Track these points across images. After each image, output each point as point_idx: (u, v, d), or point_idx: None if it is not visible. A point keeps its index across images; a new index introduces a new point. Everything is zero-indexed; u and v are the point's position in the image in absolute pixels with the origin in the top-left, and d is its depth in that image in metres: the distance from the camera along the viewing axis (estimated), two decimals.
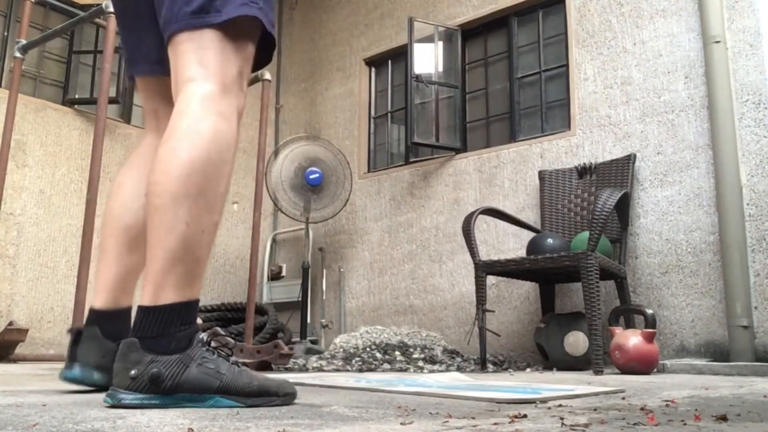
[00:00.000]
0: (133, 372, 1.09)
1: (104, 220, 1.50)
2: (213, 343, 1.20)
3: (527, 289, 3.62)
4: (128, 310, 1.49)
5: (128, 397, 1.08)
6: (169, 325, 1.14)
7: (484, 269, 3.03)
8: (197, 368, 1.12)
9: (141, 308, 1.17)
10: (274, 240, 5.04)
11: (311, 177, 4.35)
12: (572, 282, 3.37)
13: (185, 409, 1.09)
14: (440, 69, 4.22)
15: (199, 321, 4.36)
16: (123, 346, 1.13)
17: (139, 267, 1.48)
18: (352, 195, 4.60)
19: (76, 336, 1.44)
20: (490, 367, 3.01)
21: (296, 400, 1.24)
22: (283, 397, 1.19)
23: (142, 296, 1.17)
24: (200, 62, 1.23)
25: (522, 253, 3.44)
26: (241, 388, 1.14)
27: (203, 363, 1.13)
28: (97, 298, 1.47)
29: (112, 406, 1.08)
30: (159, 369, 1.09)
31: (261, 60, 1.38)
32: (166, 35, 1.28)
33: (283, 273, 4.86)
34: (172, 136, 1.19)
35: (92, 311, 1.47)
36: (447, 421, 0.97)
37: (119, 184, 1.51)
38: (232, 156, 1.25)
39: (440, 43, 4.25)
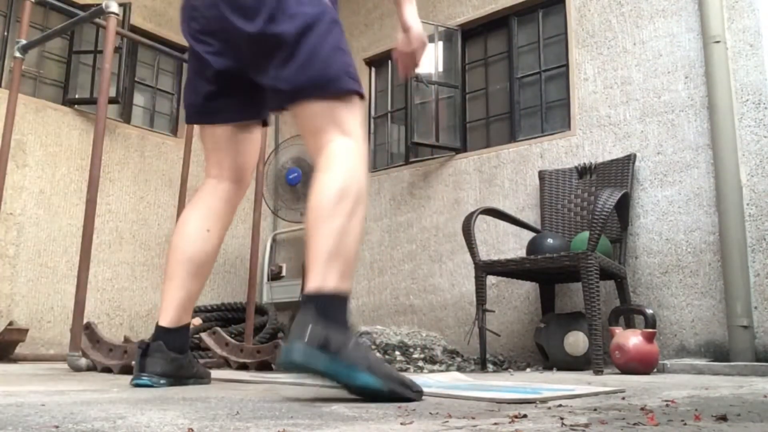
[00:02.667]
0: (310, 327, 1.26)
1: (170, 251, 1.74)
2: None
3: (527, 289, 3.62)
4: (188, 326, 1.75)
5: (303, 351, 1.24)
6: (333, 306, 1.33)
7: (484, 269, 3.03)
8: (354, 346, 1.29)
9: (308, 295, 1.34)
10: (274, 240, 5.04)
11: (290, 177, 4.37)
12: (572, 282, 3.37)
13: (185, 409, 1.09)
14: (440, 69, 4.22)
15: (198, 321, 4.33)
16: (301, 314, 1.31)
17: (198, 292, 1.75)
18: None
19: (145, 349, 1.66)
20: (490, 367, 3.01)
21: (297, 400, 1.24)
22: (416, 392, 1.31)
23: (310, 283, 1.35)
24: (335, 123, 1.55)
25: (522, 253, 3.44)
26: (386, 373, 1.31)
27: (357, 347, 1.30)
28: (163, 317, 1.69)
29: (288, 362, 1.25)
30: (329, 335, 1.26)
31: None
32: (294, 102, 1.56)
33: (283, 273, 4.86)
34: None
35: (159, 328, 1.69)
36: (447, 421, 0.97)
37: (184, 221, 1.76)
38: None
39: (440, 43, 4.25)
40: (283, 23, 1.53)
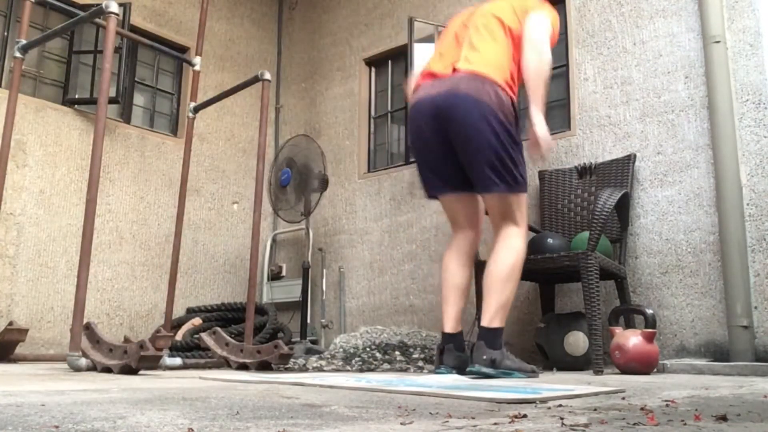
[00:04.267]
0: (484, 357, 2.24)
1: (443, 282, 2.59)
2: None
3: (527, 289, 3.62)
4: (462, 333, 2.54)
5: (483, 369, 2.22)
6: (496, 337, 2.30)
7: (484, 269, 3.02)
8: (506, 360, 2.28)
9: (483, 328, 2.33)
10: (274, 240, 5.04)
11: (282, 177, 4.37)
12: (572, 282, 3.37)
13: (185, 409, 1.09)
14: None
15: (198, 321, 4.34)
16: (478, 344, 2.29)
17: (463, 308, 2.57)
18: (352, 195, 4.61)
19: (442, 349, 2.47)
20: None
21: (296, 400, 1.25)
22: (532, 372, 2.31)
23: (483, 321, 2.35)
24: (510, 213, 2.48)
25: None
26: (523, 369, 2.30)
27: (507, 357, 2.30)
28: (447, 326, 2.50)
29: (469, 373, 2.25)
30: (495, 357, 2.25)
31: None
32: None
33: (283, 273, 4.86)
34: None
35: (445, 335, 2.49)
36: (447, 421, 0.97)
37: (447, 263, 2.62)
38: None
39: None
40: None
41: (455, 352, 2.44)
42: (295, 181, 4.34)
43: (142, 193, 4.31)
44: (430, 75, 2.54)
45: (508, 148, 2.39)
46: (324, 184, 4.27)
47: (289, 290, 4.67)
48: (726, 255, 2.93)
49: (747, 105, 3.05)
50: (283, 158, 4.47)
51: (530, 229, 3.51)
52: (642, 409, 1.17)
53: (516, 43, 2.51)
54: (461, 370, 2.35)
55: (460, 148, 2.43)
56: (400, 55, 4.58)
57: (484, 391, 1.48)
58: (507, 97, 2.45)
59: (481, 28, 2.53)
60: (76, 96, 4.12)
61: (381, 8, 4.74)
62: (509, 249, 2.42)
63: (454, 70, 2.46)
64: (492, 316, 2.32)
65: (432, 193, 2.64)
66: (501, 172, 2.39)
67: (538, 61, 2.46)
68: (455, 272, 2.57)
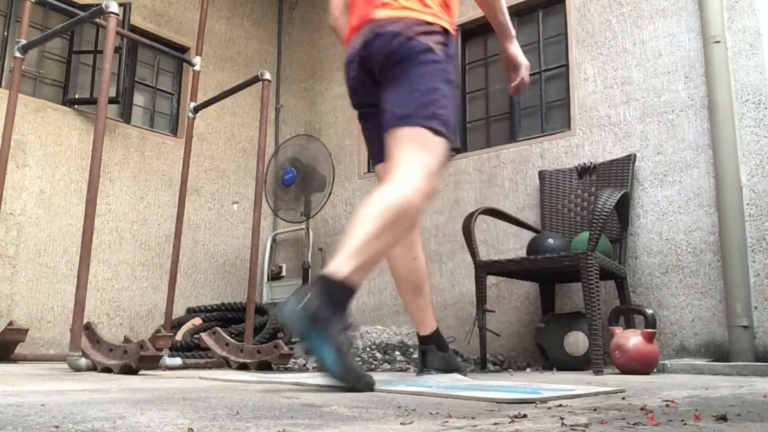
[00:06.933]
0: (308, 296, 1.64)
1: (396, 284, 2.22)
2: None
3: (527, 289, 3.62)
4: (438, 330, 2.26)
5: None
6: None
7: (484, 269, 3.03)
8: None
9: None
10: (274, 240, 5.04)
11: (286, 177, 4.36)
12: (572, 282, 3.37)
13: (185, 409, 1.09)
14: None
15: (198, 321, 4.34)
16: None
17: (426, 304, 2.22)
18: (352, 195, 4.60)
19: (424, 351, 2.24)
20: (490, 367, 3.01)
21: (296, 400, 1.25)
22: (366, 384, 1.76)
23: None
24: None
25: (522, 253, 3.44)
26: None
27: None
28: (421, 329, 2.24)
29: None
30: (322, 309, 1.60)
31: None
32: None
33: (283, 273, 4.86)
34: None
35: (422, 337, 2.24)
36: (447, 421, 0.97)
37: (394, 258, 2.14)
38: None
39: None
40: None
41: (438, 353, 2.22)
42: (299, 181, 4.34)
43: (142, 193, 4.31)
44: (352, 29, 2.04)
45: (438, 83, 1.87)
46: (327, 186, 4.28)
47: (289, 290, 4.67)
48: (726, 255, 2.93)
49: (747, 105, 3.05)
50: (285, 158, 4.47)
51: (530, 229, 3.52)
52: (642, 409, 1.17)
53: None
54: (446, 371, 2.18)
55: (385, 86, 1.94)
56: None
57: (484, 391, 1.48)
58: (439, 28, 1.91)
59: None
60: (76, 96, 4.12)
61: None
62: (402, 183, 1.84)
63: (372, 18, 1.94)
64: (343, 262, 1.63)
65: (374, 159, 2.17)
66: (427, 108, 1.85)
67: None
68: (408, 268, 2.17)
